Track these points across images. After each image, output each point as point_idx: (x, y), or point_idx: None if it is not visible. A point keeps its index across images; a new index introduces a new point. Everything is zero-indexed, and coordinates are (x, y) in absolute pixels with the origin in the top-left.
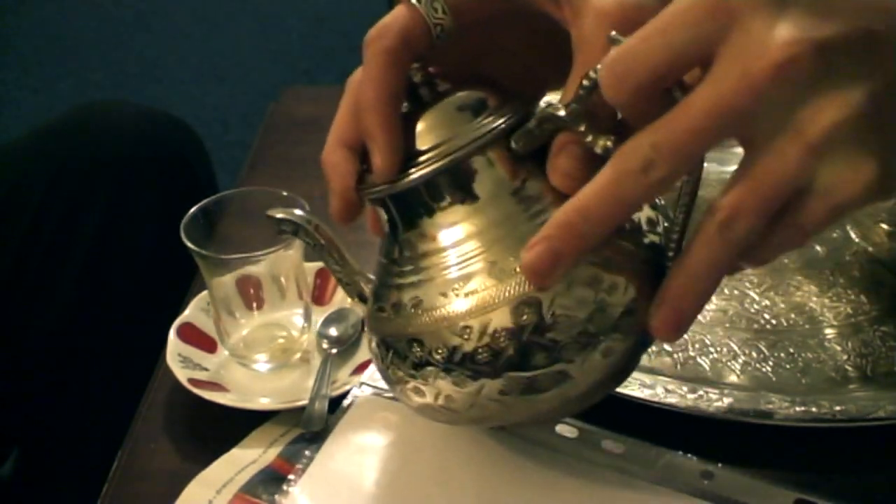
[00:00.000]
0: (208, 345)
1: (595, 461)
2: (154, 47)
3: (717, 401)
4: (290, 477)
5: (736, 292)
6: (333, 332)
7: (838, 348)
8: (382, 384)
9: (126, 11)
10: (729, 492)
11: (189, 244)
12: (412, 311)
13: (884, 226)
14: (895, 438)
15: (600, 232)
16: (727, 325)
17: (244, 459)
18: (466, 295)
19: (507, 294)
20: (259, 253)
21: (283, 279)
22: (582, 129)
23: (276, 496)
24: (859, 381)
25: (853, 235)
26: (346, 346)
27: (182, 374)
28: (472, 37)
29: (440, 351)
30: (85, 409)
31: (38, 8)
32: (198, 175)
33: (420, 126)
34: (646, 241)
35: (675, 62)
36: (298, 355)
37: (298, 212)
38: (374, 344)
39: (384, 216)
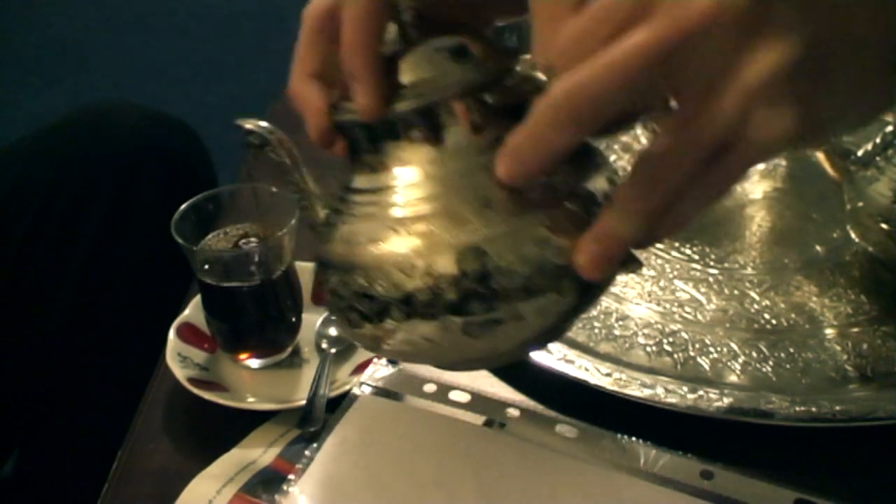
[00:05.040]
0: (208, 344)
1: (595, 461)
2: (154, 47)
3: (717, 401)
4: (290, 477)
5: (736, 292)
6: (332, 331)
7: (838, 348)
8: (382, 384)
9: (126, 11)
10: (729, 492)
11: (179, 240)
12: (361, 241)
13: (884, 226)
14: (895, 438)
15: (538, 161)
16: (727, 325)
17: (244, 459)
18: (416, 234)
19: (455, 239)
20: (246, 247)
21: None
22: None
23: (276, 496)
24: (859, 381)
25: (853, 235)
26: (345, 345)
27: (182, 374)
28: None
29: (382, 284)
30: (85, 409)
31: (38, 8)
32: (198, 175)
33: (402, 65)
34: (598, 211)
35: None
36: (288, 352)
37: (264, 124)
38: (319, 268)
39: (350, 145)
